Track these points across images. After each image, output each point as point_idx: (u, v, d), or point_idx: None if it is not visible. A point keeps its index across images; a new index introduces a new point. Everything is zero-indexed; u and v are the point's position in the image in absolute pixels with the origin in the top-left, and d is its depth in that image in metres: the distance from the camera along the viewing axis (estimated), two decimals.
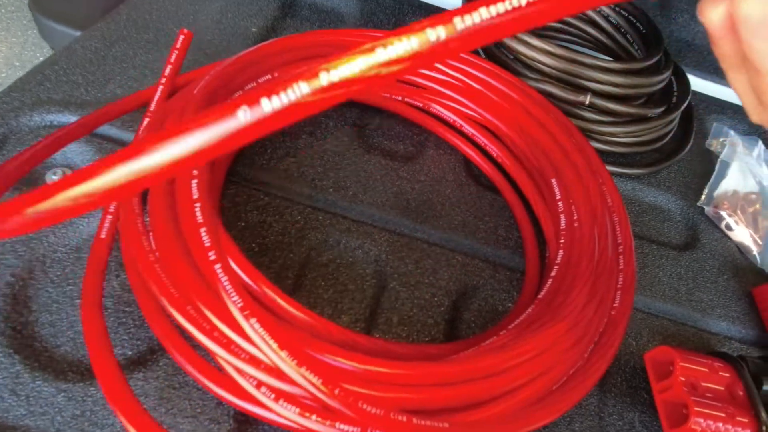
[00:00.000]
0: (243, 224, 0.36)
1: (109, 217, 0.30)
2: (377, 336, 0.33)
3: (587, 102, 0.41)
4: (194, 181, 0.25)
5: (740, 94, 0.20)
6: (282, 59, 0.38)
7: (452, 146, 0.43)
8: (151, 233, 0.27)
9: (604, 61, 0.42)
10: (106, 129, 0.38)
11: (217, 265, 0.23)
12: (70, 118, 0.38)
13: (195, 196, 0.25)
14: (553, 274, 0.31)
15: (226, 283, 0.22)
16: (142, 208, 0.28)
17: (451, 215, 0.40)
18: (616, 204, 0.35)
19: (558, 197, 0.35)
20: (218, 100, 0.33)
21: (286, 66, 0.38)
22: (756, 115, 0.20)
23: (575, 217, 0.32)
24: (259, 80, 0.36)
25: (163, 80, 0.37)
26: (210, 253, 0.23)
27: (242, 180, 0.38)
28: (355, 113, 0.44)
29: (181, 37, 0.39)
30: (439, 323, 0.34)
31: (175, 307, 0.24)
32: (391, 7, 0.56)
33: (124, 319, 0.30)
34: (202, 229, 0.24)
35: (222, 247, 0.24)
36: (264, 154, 0.40)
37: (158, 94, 0.37)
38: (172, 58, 0.38)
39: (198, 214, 0.24)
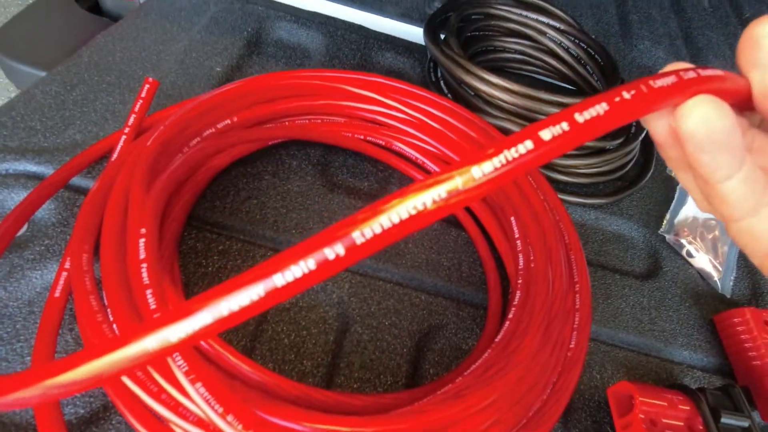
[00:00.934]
0: (203, 271, 0.35)
1: (64, 273, 0.30)
2: (340, 381, 0.33)
3: None
4: (142, 240, 0.25)
5: (688, 189, 0.20)
6: (240, 104, 0.38)
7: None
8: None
9: (561, 96, 0.43)
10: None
11: None
12: (27, 165, 0.37)
13: (142, 256, 0.25)
14: (510, 316, 0.31)
15: None
16: (92, 264, 0.28)
17: (414, 253, 0.40)
18: (573, 242, 0.35)
19: (516, 236, 0.35)
20: (172, 150, 0.33)
21: (244, 110, 0.38)
22: (703, 208, 0.20)
23: (532, 257, 0.33)
24: (218, 125, 0.37)
25: (127, 129, 0.37)
26: (156, 316, 0.23)
27: (203, 224, 0.38)
28: (319, 152, 0.44)
29: (147, 86, 0.39)
30: (401, 365, 0.34)
31: None
32: (357, 42, 0.56)
33: None
34: (148, 291, 0.24)
35: (168, 308, 0.23)
36: (226, 197, 0.40)
37: (121, 143, 0.37)
38: (137, 108, 0.38)
39: (144, 274, 0.24)
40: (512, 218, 0.36)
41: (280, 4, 0.59)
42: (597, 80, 0.54)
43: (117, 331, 0.25)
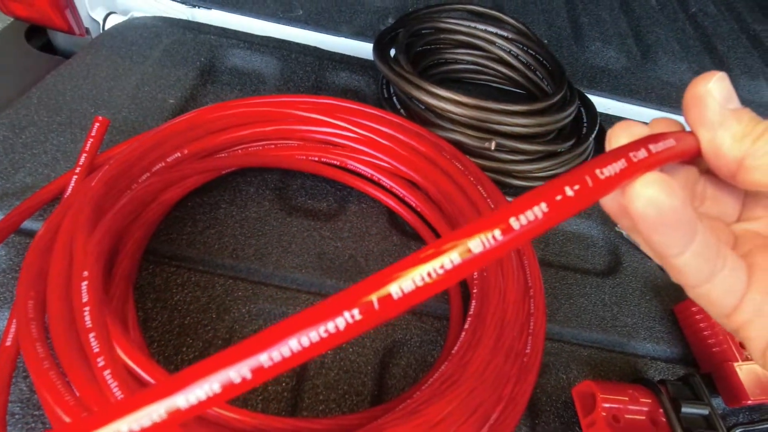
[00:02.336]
0: (162, 305, 0.35)
1: (15, 322, 0.29)
2: (305, 404, 0.33)
3: (493, 147, 0.43)
4: (84, 283, 0.25)
5: (640, 246, 0.20)
6: (190, 135, 0.38)
7: (374, 199, 0.44)
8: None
9: (509, 104, 0.44)
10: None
11: (107, 371, 0.23)
12: None
13: (84, 299, 0.24)
14: (466, 326, 0.31)
15: (115, 390, 0.22)
16: (39, 312, 0.27)
17: (375, 269, 0.40)
18: (526, 248, 0.36)
19: None
20: (121, 188, 0.33)
21: (195, 141, 0.38)
22: (658, 261, 0.20)
23: (484, 267, 0.33)
24: (168, 159, 0.37)
25: (78, 169, 0.37)
26: (99, 360, 0.23)
27: (161, 258, 0.38)
28: (276, 177, 0.45)
29: (97, 124, 0.39)
30: (366, 383, 0.34)
31: (68, 415, 0.23)
32: (311, 64, 0.57)
33: (32, 425, 0.29)
34: (91, 335, 0.23)
35: (112, 351, 0.23)
36: (183, 229, 0.40)
37: (72, 184, 0.36)
38: (87, 146, 0.38)
39: (87, 318, 0.24)
40: None
41: (233, 31, 0.59)
42: (547, 84, 0.55)
43: (67, 378, 0.25)
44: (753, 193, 0.19)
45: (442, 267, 0.12)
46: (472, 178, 0.38)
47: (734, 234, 0.19)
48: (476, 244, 0.12)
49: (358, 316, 0.12)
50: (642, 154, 0.15)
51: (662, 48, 0.77)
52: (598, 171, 0.14)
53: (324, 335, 0.12)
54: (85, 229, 0.28)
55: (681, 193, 0.15)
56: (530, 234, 0.13)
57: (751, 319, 0.17)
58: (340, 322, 0.12)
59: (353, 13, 0.66)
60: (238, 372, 0.12)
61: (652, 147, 0.15)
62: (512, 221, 0.13)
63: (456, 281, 0.12)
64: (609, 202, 0.18)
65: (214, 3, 0.63)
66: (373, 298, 0.12)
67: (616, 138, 0.18)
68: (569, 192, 0.13)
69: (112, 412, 0.12)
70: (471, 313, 0.32)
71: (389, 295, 0.12)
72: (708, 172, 0.19)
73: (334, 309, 0.12)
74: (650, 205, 0.15)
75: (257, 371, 0.12)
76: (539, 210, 0.13)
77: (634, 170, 0.14)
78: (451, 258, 0.12)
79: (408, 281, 0.12)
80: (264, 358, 0.12)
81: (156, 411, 0.12)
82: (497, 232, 0.12)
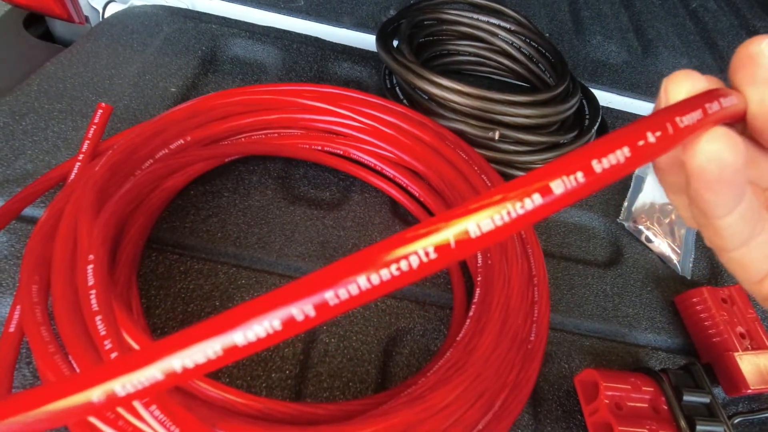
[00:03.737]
0: (165, 292, 0.35)
1: (19, 307, 0.29)
2: (308, 391, 0.33)
3: (496, 137, 0.43)
4: (90, 267, 0.25)
5: (678, 210, 0.20)
6: (194, 123, 0.38)
7: (377, 189, 0.44)
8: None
9: (512, 95, 0.44)
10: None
11: (114, 354, 0.22)
12: None
13: (90, 283, 0.24)
14: (471, 313, 0.31)
15: None
16: (43, 296, 0.27)
17: None
18: (529, 236, 0.36)
19: None
20: (123, 174, 0.33)
21: (198, 129, 0.38)
22: (691, 225, 0.19)
23: (489, 255, 0.33)
24: (171, 146, 0.36)
25: (81, 156, 0.37)
26: (105, 342, 0.23)
27: (164, 246, 0.38)
28: (279, 166, 0.44)
29: (99, 111, 0.39)
30: (370, 372, 0.34)
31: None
32: (313, 55, 0.57)
33: None
34: (98, 317, 0.23)
35: (119, 334, 0.23)
36: (186, 217, 0.39)
37: (75, 171, 0.36)
38: (90, 134, 0.38)
39: (93, 301, 0.24)
40: None
41: (234, 21, 0.59)
42: (549, 77, 0.55)
43: (72, 362, 0.25)
44: None
45: (522, 207, 0.12)
46: (475, 167, 0.38)
47: None
48: (558, 185, 0.12)
49: (433, 255, 0.11)
50: (715, 106, 0.14)
51: (663, 43, 0.77)
52: (678, 119, 0.13)
53: (396, 273, 0.11)
54: (90, 214, 0.28)
55: (745, 151, 0.15)
56: (611, 177, 0.12)
57: None
58: (414, 260, 0.11)
59: (355, 4, 0.66)
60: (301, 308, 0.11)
61: (723, 101, 0.15)
62: (594, 164, 0.12)
63: (533, 223, 0.12)
64: (662, 160, 0.18)
65: None
66: (450, 237, 0.12)
67: (677, 85, 0.17)
68: (651, 138, 0.13)
69: (104, 372, 0.11)
70: (475, 300, 0.32)
71: (467, 233, 0.12)
72: (745, 134, 0.18)
73: (406, 244, 0.12)
74: (714, 161, 0.14)
75: (321, 307, 0.11)
76: (621, 154, 0.12)
77: (707, 123, 0.14)
78: (533, 198, 0.12)
79: (486, 220, 0.12)
80: (330, 295, 0.11)
81: (152, 372, 0.11)
82: (579, 175, 0.12)
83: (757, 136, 0.17)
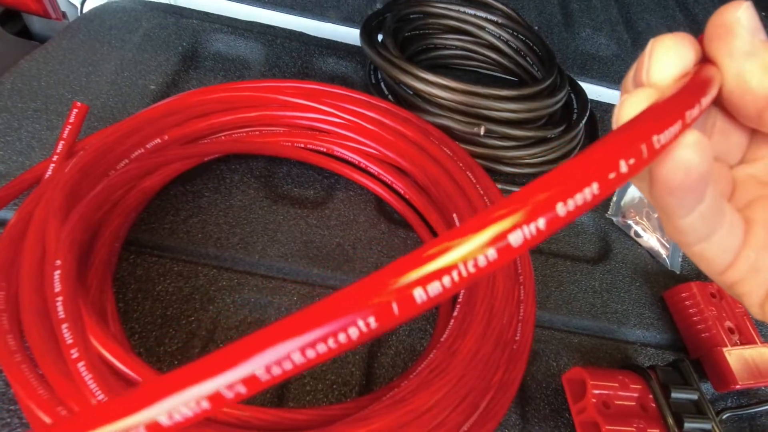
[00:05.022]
0: (143, 296, 0.34)
1: None
2: (291, 395, 0.32)
3: (482, 133, 0.42)
4: (57, 273, 0.24)
5: (641, 191, 0.18)
6: (172, 121, 0.37)
7: (361, 186, 0.43)
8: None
9: (498, 89, 0.43)
10: None
11: (80, 363, 0.22)
12: None
13: (57, 289, 0.23)
14: (455, 314, 0.31)
15: (90, 382, 0.21)
16: (10, 303, 0.26)
17: (363, 258, 0.39)
18: None
19: None
20: (97, 175, 0.32)
21: (176, 127, 0.37)
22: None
23: None
24: (148, 145, 0.35)
25: (55, 157, 0.36)
26: (72, 351, 0.22)
27: (142, 248, 0.37)
28: (261, 164, 0.44)
29: (75, 110, 0.37)
30: (354, 373, 0.34)
31: (42, 410, 0.22)
32: (297, 50, 0.56)
33: (8, 420, 0.28)
34: (64, 325, 0.22)
35: (87, 342, 0.22)
36: (165, 218, 0.38)
37: (50, 172, 0.35)
38: (65, 134, 0.37)
39: (60, 308, 0.23)
40: (454, 215, 0.36)
41: (216, 16, 0.58)
42: (537, 70, 0.54)
43: (40, 372, 0.24)
44: (763, 132, 0.17)
45: (474, 265, 0.10)
46: (461, 164, 0.37)
47: (734, 180, 0.18)
48: (516, 237, 0.10)
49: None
50: (695, 112, 0.13)
51: (652, 35, 0.76)
52: (655, 138, 0.12)
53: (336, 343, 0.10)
54: (58, 217, 0.27)
55: (711, 155, 0.14)
56: (574, 217, 0.11)
57: (746, 276, 0.17)
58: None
59: None
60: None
61: (703, 101, 0.13)
62: (559, 208, 0.11)
63: (478, 279, 0.11)
64: None
65: None
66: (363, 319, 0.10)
67: (663, 57, 0.16)
68: (623, 168, 0.11)
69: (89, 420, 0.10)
70: (460, 300, 0.31)
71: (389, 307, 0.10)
72: (719, 105, 0.17)
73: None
74: (679, 170, 0.13)
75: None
76: (590, 192, 0.11)
77: (682, 131, 0.13)
78: (481, 258, 0.10)
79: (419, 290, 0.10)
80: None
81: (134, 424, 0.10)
82: (541, 222, 0.10)
83: (731, 110, 0.17)
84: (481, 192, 0.36)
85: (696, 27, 0.82)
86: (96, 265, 0.31)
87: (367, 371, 0.34)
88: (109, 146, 0.32)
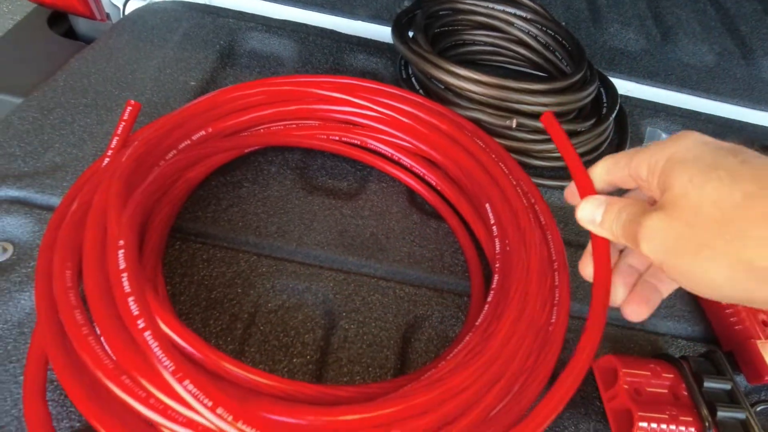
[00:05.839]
0: (189, 280, 0.36)
1: (56, 291, 0.30)
2: (329, 376, 0.34)
3: (514, 125, 0.43)
4: (121, 251, 0.26)
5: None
6: (214, 114, 0.39)
7: (394, 178, 0.44)
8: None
9: (529, 83, 0.44)
10: (46, 198, 0.38)
11: (147, 333, 0.23)
12: (8, 191, 0.38)
13: (122, 266, 0.25)
14: (489, 299, 0.32)
15: (156, 350, 0.23)
16: (76, 281, 0.28)
17: (396, 247, 0.41)
18: (549, 223, 0.36)
19: (492, 221, 0.36)
20: (149, 164, 0.34)
21: (218, 120, 0.39)
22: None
23: (507, 241, 0.33)
24: (193, 137, 0.37)
25: (110, 152, 0.37)
26: (139, 322, 0.24)
27: (187, 235, 0.39)
28: (297, 156, 0.45)
29: (129, 108, 0.39)
30: (389, 357, 0.35)
31: (109, 378, 0.24)
32: (329, 47, 0.57)
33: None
34: (130, 299, 0.24)
35: (151, 314, 0.24)
36: (207, 207, 0.40)
37: (104, 164, 0.37)
38: (119, 130, 0.38)
39: (125, 283, 0.25)
40: (486, 204, 0.36)
41: (251, 15, 0.60)
42: (566, 65, 0.55)
43: (105, 344, 0.26)
44: None
45: None
46: (493, 155, 0.38)
47: None
48: None
49: None
50: None
51: (683, 29, 0.76)
52: None
53: None
54: (118, 202, 0.29)
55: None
56: None
57: None
58: None
59: None
60: None
61: None
62: None
63: None
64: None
65: None
66: None
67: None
68: None
69: None
70: (494, 287, 0.32)
71: None
72: None
73: None
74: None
75: None
76: None
77: None
78: None
79: None
80: None
81: None
82: None
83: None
84: (514, 183, 0.37)
85: (727, 20, 0.81)
86: (148, 250, 0.33)
87: (402, 355, 0.35)
88: (160, 138, 0.34)
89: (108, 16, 0.62)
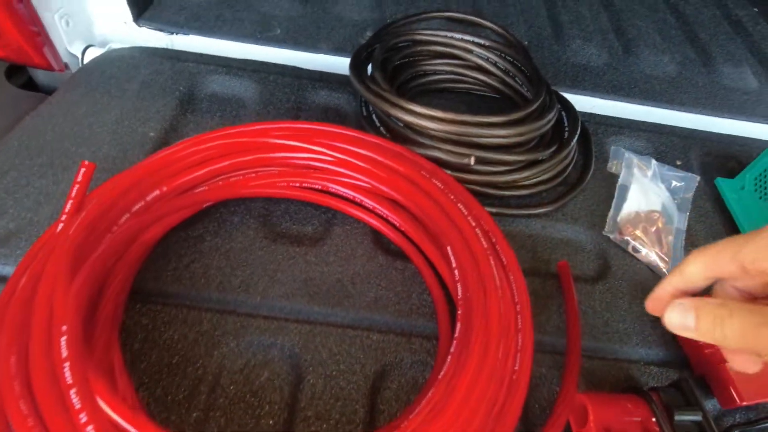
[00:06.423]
0: (150, 345, 0.35)
1: None
2: None
3: (472, 163, 0.43)
4: (63, 338, 0.25)
5: None
6: (168, 172, 0.38)
7: (358, 220, 0.44)
8: None
9: (486, 117, 0.44)
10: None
11: (89, 428, 0.23)
12: None
13: (64, 355, 0.25)
14: (452, 350, 0.31)
15: None
16: (22, 367, 0.28)
17: (362, 292, 0.40)
18: (510, 263, 0.36)
19: (454, 265, 0.36)
20: (101, 231, 0.33)
21: (173, 178, 0.38)
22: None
23: (468, 287, 0.33)
24: (147, 198, 0.37)
25: (64, 217, 0.37)
26: (81, 416, 0.23)
27: (147, 296, 0.38)
28: (260, 203, 0.45)
29: (83, 169, 0.38)
30: (357, 411, 0.34)
31: None
32: (290, 86, 0.57)
33: None
34: (72, 390, 0.23)
35: (94, 406, 0.23)
36: (168, 265, 0.40)
37: (59, 229, 0.36)
38: (73, 193, 0.38)
39: (67, 374, 0.24)
40: (448, 248, 0.36)
41: (211, 56, 0.59)
42: (527, 90, 0.55)
43: None
44: None
45: None
46: (452, 196, 0.38)
47: None
48: None
49: None
50: None
51: (644, 41, 0.77)
52: None
53: None
54: (64, 280, 0.28)
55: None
56: None
57: None
58: None
59: (331, 29, 0.67)
60: None
61: None
62: None
63: None
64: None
65: (192, 29, 0.63)
66: None
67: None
68: None
69: None
70: (456, 336, 0.32)
71: None
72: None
73: None
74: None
75: None
76: None
77: None
78: None
79: None
80: None
81: None
82: None
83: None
84: (473, 224, 0.36)
85: (687, 28, 0.82)
86: (102, 320, 0.32)
87: (371, 408, 0.35)
88: (110, 203, 0.34)
89: (67, 65, 0.62)
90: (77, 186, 0.38)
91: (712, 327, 0.23)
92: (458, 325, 0.32)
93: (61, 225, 0.36)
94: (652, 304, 0.28)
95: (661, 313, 0.26)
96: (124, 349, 0.35)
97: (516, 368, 0.31)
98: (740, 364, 0.26)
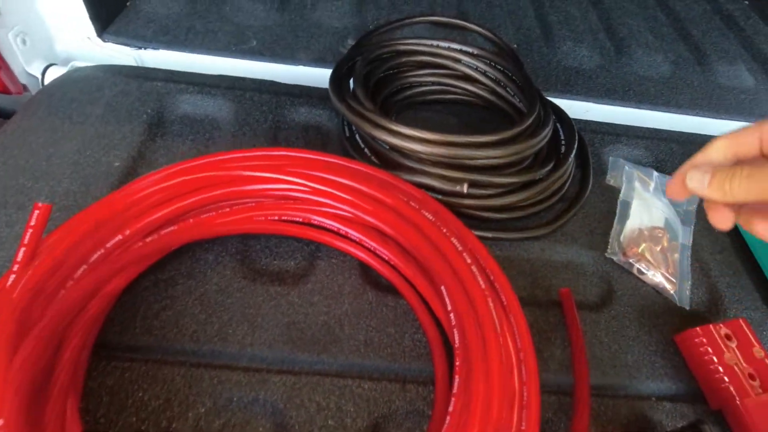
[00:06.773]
0: (116, 409, 0.32)
1: None
2: None
3: (465, 191, 0.39)
4: None
5: None
6: (131, 214, 0.34)
7: (345, 253, 0.40)
8: None
9: (477, 136, 0.41)
10: None
11: None
12: None
13: None
14: (450, 408, 0.28)
15: None
16: None
17: (351, 335, 0.37)
18: (511, 303, 0.33)
19: (449, 308, 0.32)
20: (53, 289, 0.29)
21: (135, 220, 0.34)
22: None
23: (465, 335, 0.30)
24: (108, 245, 0.33)
25: (16, 267, 0.33)
26: None
27: (113, 351, 0.34)
28: (237, 239, 0.41)
29: (36, 212, 0.35)
30: None
31: None
32: (268, 103, 0.53)
33: None
34: None
35: None
36: (136, 315, 0.36)
37: (10, 282, 0.32)
38: (26, 239, 0.34)
39: None
40: (442, 287, 0.33)
41: (181, 73, 0.55)
42: (519, 100, 0.52)
43: None
44: None
45: None
46: (444, 229, 0.35)
47: None
48: None
49: None
50: None
51: (635, 40, 0.74)
52: None
53: None
54: (5, 356, 0.24)
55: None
56: None
57: None
58: None
59: (310, 38, 0.63)
60: None
61: None
62: None
63: None
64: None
65: (161, 43, 0.59)
66: None
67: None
68: None
69: None
70: (455, 392, 0.29)
71: None
72: None
73: None
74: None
75: None
76: None
77: None
78: None
79: None
80: None
81: None
82: None
83: None
84: (468, 260, 0.33)
85: (678, 25, 0.80)
86: (58, 388, 0.28)
87: None
88: (64, 255, 0.30)
89: (25, 87, 0.57)
90: (30, 231, 0.34)
91: (722, 182, 0.26)
92: (456, 379, 0.29)
93: (12, 277, 0.32)
94: (673, 183, 0.31)
95: (679, 195, 0.30)
96: (87, 417, 0.31)
97: (522, 429, 0.28)
98: (718, 220, 0.30)
